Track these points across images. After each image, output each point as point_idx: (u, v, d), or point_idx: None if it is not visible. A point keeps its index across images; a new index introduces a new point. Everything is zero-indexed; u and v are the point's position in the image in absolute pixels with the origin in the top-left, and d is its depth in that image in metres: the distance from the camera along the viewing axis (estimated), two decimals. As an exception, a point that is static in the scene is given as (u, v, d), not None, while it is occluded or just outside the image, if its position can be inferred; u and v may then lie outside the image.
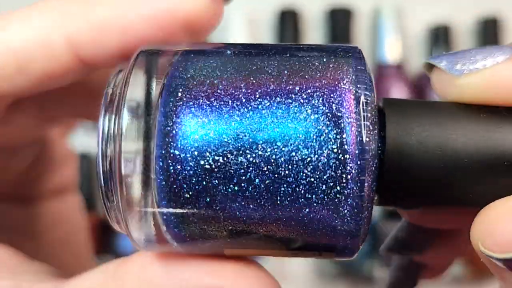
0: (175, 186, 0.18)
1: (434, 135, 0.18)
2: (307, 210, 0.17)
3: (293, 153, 0.17)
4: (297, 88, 0.18)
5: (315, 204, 0.17)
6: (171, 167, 0.17)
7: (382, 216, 0.79)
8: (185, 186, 0.17)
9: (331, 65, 0.18)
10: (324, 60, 0.19)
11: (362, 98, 0.18)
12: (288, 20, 0.87)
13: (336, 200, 0.17)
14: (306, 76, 0.18)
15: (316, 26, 0.88)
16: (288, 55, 0.19)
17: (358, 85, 0.18)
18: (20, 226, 0.28)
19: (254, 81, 0.18)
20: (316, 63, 0.18)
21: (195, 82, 0.18)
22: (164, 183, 0.18)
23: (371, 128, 0.18)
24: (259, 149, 0.17)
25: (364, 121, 0.18)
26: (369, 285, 0.84)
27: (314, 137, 0.17)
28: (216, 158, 0.17)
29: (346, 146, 0.17)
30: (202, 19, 0.21)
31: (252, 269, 0.20)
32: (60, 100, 0.26)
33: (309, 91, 0.18)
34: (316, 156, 0.17)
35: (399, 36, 0.86)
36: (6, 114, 0.23)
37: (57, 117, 0.27)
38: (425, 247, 0.25)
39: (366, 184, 0.17)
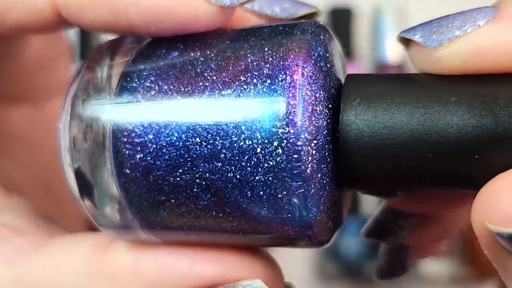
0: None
1: (382, 117, 0.17)
2: (259, 195, 0.17)
3: (243, 140, 0.17)
4: (246, 71, 0.17)
5: (266, 189, 0.17)
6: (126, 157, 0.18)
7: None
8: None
9: (277, 44, 0.17)
10: (278, 38, 0.18)
11: (309, 75, 0.17)
12: (289, 20, 0.86)
13: (284, 188, 0.17)
14: (252, 57, 0.17)
15: (316, 26, 0.88)
16: (241, 40, 0.18)
17: (308, 66, 0.17)
18: (19, 128, 0.27)
19: (200, 75, 0.18)
20: (265, 44, 0.18)
21: (145, 89, 0.18)
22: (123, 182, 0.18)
23: (319, 107, 0.17)
24: (208, 141, 0.17)
25: (309, 100, 0.17)
26: (369, 285, 0.84)
27: (258, 118, 0.17)
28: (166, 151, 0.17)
29: (288, 128, 0.16)
30: (200, 25, 0.18)
31: (253, 258, 0.19)
32: None
33: (255, 72, 0.17)
34: (258, 139, 0.17)
35: (399, 36, 0.86)
36: None
37: None
38: (405, 232, 0.23)
39: (311, 165, 0.17)
